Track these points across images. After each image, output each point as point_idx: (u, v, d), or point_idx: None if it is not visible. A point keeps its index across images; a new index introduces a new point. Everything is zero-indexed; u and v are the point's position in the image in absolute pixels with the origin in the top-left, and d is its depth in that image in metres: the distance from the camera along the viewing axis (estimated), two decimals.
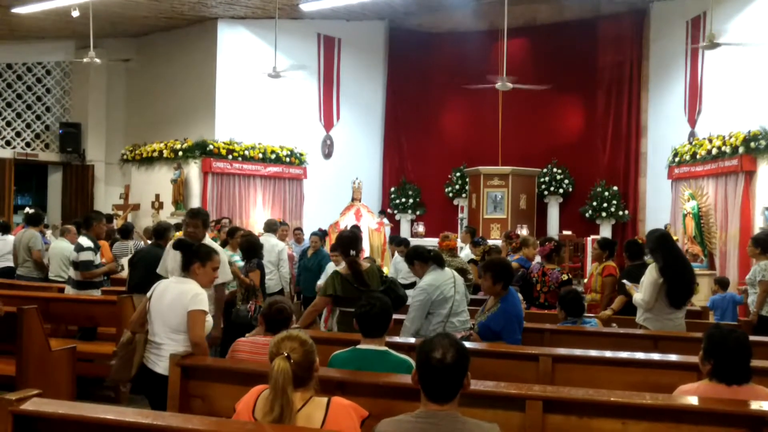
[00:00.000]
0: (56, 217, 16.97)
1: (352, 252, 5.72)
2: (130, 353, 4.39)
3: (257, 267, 7.15)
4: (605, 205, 16.51)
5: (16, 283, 9.22)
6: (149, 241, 9.68)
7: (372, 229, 14.65)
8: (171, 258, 5.84)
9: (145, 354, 4.40)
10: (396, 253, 10.16)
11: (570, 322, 5.87)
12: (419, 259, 5.86)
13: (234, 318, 7.02)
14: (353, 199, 15.66)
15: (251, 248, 7.55)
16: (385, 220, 15.79)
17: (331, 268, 8.08)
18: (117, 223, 13.81)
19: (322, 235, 10.21)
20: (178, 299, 4.30)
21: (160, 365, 4.27)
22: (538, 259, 7.58)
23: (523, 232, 14.31)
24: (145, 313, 4.46)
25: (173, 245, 5.55)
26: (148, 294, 4.50)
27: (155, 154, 15.66)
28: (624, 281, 6.56)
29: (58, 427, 2.90)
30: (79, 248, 8.02)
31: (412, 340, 4.85)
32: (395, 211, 18.70)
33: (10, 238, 10.64)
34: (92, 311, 7.16)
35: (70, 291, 8.07)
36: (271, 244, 9.44)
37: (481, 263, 7.19)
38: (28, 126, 16.54)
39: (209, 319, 4.41)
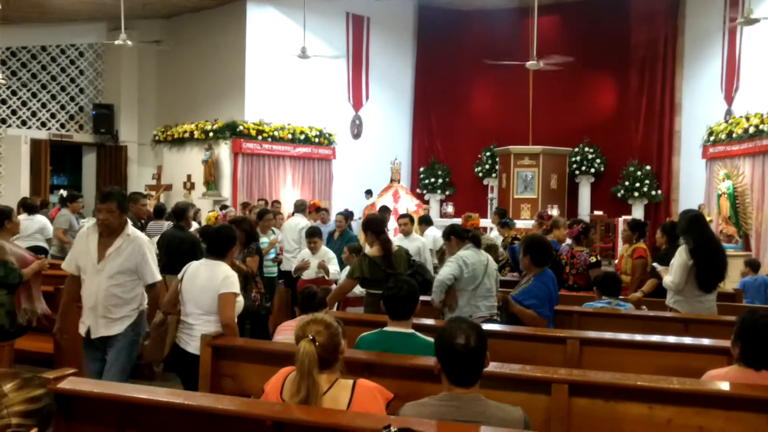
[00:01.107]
0: (91, 197, 17.28)
1: (382, 235, 5.75)
2: (162, 334, 4.50)
3: (256, 253, 6.87)
4: (638, 184, 16.31)
5: (51, 261, 9.40)
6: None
7: (411, 211, 14.54)
8: None
9: (177, 334, 4.51)
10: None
11: (605, 302, 5.85)
12: (456, 236, 5.82)
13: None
14: (392, 180, 15.48)
15: (247, 234, 7.09)
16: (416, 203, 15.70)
17: (333, 259, 8.11)
18: (150, 204, 14.02)
19: (348, 215, 10.10)
20: (210, 282, 4.40)
21: (192, 345, 4.37)
22: (568, 241, 7.53)
23: (554, 212, 14.20)
24: (176, 294, 4.56)
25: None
26: (180, 275, 4.60)
27: (186, 135, 15.82)
28: (654, 264, 6.49)
29: (93, 405, 2.99)
30: None
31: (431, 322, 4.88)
32: (424, 191, 18.68)
33: (38, 218, 10.67)
34: None
35: None
36: (294, 222, 9.52)
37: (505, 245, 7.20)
38: (63, 107, 16.80)
39: (240, 300, 4.49)
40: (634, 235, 7.46)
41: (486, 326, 5.04)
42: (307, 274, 7.99)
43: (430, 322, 5.06)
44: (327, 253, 8.15)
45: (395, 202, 14.70)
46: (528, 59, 14.09)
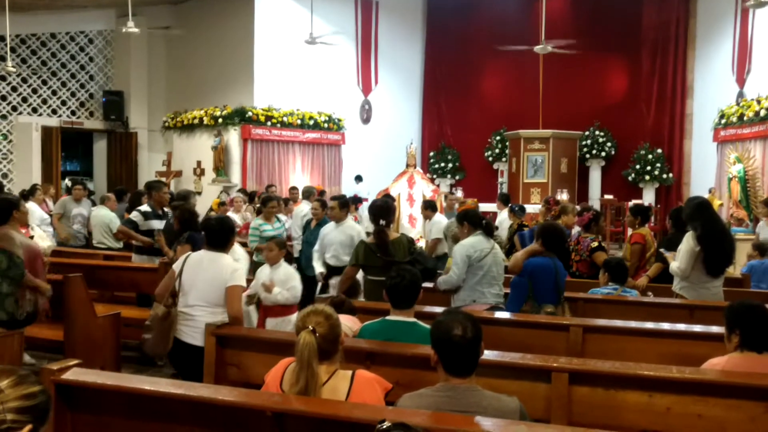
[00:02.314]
0: (102, 183, 17.40)
1: (382, 222, 5.76)
2: (167, 327, 4.48)
3: (188, 241, 6.16)
4: (649, 168, 16.23)
5: (61, 249, 9.51)
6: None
7: (427, 197, 13.91)
8: None
9: (176, 327, 4.48)
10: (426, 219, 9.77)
11: (611, 289, 5.85)
12: (470, 222, 5.79)
13: None
14: (407, 165, 15.15)
15: (185, 220, 6.65)
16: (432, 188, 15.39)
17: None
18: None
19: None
20: (218, 273, 4.39)
21: (194, 336, 4.37)
22: (577, 228, 7.51)
23: (563, 196, 14.17)
24: (172, 284, 4.53)
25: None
26: (177, 266, 4.58)
27: (195, 121, 15.86)
28: (661, 249, 6.47)
29: (96, 396, 3.04)
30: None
31: (439, 309, 4.89)
32: (434, 176, 18.66)
33: (32, 207, 10.10)
34: (136, 278, 7.35)
35: (135, 259, 8.01)
36: (299, 210, 9.52)
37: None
38: (73, 95, 16.87)
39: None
40: (636, 220, 7.42)
41: (488, 314, 5.07)
42: (267, 298, 5.71)
43: (432, 309, 5.09)
44: (286, 271, 5.79)
45: (410, 188, 14.24)
46: (538, 42, 14.00)
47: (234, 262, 4.53)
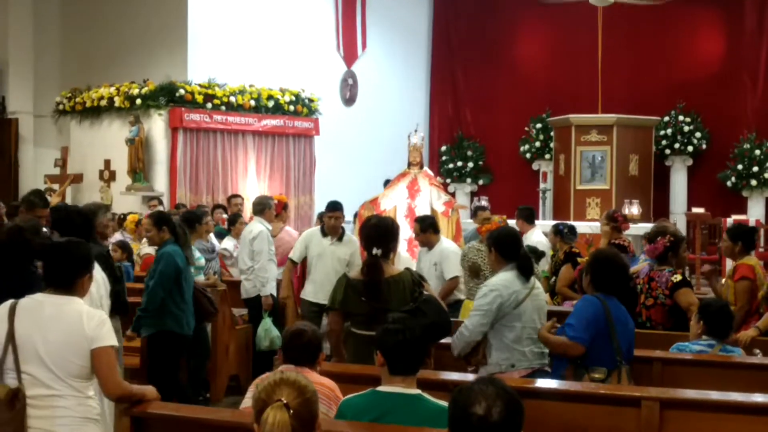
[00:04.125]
0: None
1: (377, 250, 5.78)
2: (14, 422, 4.14)
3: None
4: (756, 169, 16.30)
5: None
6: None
7: (438, 212, 12.63)
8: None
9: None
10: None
11: (705, 345, 5.85)
12: (500, 251, 5.81)
13: None
14: (409, 165, 14.24)
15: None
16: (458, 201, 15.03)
17: None
18: (51, 202, 14.07)
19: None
20: (71, 329, 4.23)
21: None
22: (644, 258, 7.54)
23: (633, 210, 14.22)
24: None
25: None
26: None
27: (103, 102, 15.79)
28: None
29: None
30: None
31: (456, 376, 4.91)
32: (448, 180, 18.71)
33: None
34: None
35: None
36: (248, 230, 9.79)
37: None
38: None
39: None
40: (736, 247, 7.44)
41: (526, 382, 5.09)
42: None
43: (448, 376, 5.10)
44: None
45: (411, 198, 13.15)
46: None
47: (89, 308, 4.40)
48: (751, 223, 13.26)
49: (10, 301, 4.34)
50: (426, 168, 13.42)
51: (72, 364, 4.17)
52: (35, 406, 4.13)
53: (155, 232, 7.42)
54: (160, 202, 13.50)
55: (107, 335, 4.24)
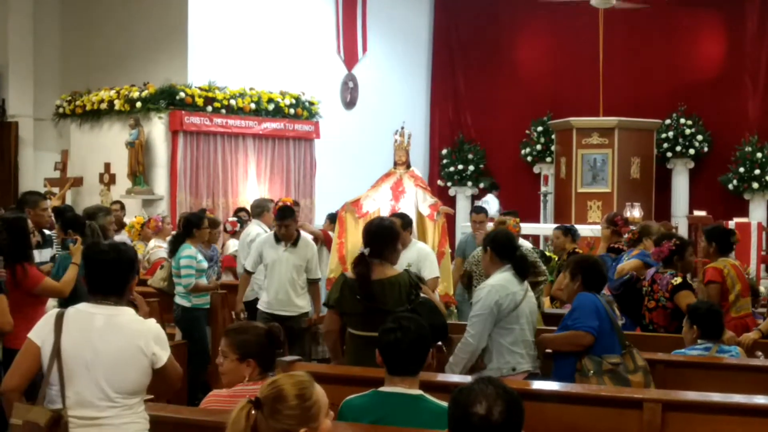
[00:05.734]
0: None
1: (365, 249, 5.80)
2: None
3: None
4: (758, 171, 16.30)
5: None
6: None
7: (423, 215, 12.22)
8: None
9: None
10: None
11: (702, 348, 5.87)
12: (496, 250, 5.86)
13: None
14: (395, 165, 14.00)
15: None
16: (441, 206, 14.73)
17: None
18: (50, 205, 14.07)
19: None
20: (127, 344, 4.02)
21: None
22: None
23: (635, 213, 14.22)
24: (35, 368, 4.07)
25: None
26: (40, 333, 4.07)
27: (103, 105, 15.81)
28: None
29: None
30: None
31: (457, 378, 4.92)
32: (448, 183, 18.70)
33: None
34: None
35: None
36: (245, 233, 9.82)
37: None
38: None
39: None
40: (711, 248, 7.43)
41: (525, 384, 5.09)
42: None
43: (449, 378, 5.10)
44: None
45: (395, 200, 12.73)
46: None
47: (146, 319, 4.24)
48: (753, 226, 13.28)
49: (55, 311, 4.12)
50: (413, 168, 12.92)
51: (127, 380, 3.97)
52: (80, 426, 3.89)
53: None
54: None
55: (165, 346, 4.08)
